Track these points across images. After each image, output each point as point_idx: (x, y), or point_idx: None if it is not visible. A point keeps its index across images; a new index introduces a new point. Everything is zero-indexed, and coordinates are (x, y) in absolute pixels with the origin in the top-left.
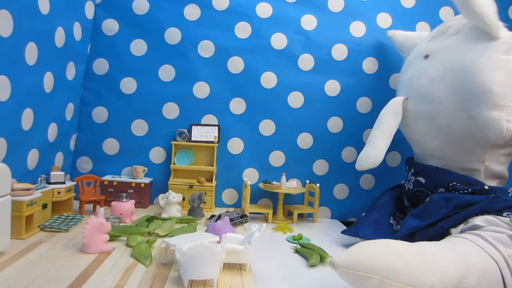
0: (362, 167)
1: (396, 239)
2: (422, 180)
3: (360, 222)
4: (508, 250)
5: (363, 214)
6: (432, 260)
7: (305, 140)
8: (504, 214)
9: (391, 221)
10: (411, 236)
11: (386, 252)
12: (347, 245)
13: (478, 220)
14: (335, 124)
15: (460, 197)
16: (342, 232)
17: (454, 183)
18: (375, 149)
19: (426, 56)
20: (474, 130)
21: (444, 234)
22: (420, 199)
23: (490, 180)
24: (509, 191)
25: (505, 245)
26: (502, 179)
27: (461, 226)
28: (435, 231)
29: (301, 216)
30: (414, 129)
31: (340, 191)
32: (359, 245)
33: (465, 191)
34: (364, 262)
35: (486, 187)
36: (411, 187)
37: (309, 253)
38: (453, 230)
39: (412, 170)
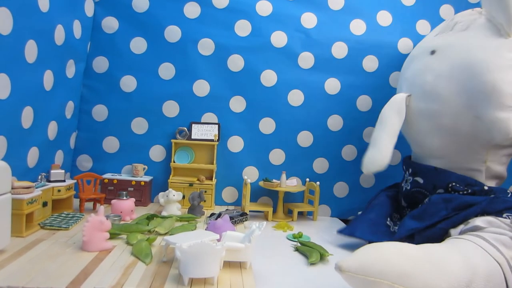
0: (369, 171)
1: (395, 240)
2: (420, 180)
3: (356, 222)
4: (510, 252)
5: (359, 212)
6: (441, 264)
7: (305, 138)
8: (504, 215)
9: (388, 222)
10: (410, 238)
11: (395, 255)
12: (347, 243)
13: (478, 221)
14: (335, 122)
15: (459, 198)
16: (338, 232)
17: (454, 183)
18: (381, 151)
19: (433, 52)
20: (479, 130)
21: (443, 235)
22: (418, 200)
23: (490, 180)
24: (508, 191)
25: (507, 247)
26: (501, 179)
27: (461, 227)
28: (434, 232)
29: (301, 214)
30: (415, 127)
31: (340, 189)
32: (366, 249)
33: (465, 192)
34: (372, 267)
35: (485, 187)
36: (408, 188)
37: (309, 251)
38: (452, 231)
39: (410, 170)
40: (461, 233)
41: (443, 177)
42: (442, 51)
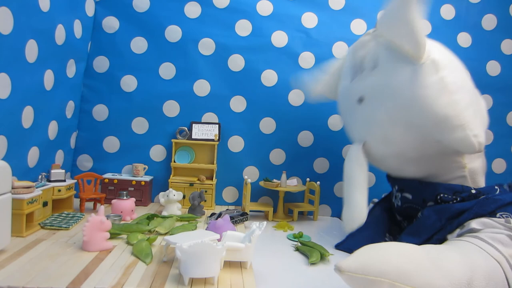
0: (352, 228)
1: None
2: (409, 196)
3: (353, 238)
4: (509, 250)
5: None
6: (441, 262)
7: (305, 138)
8: (498, 215)
9: (386, 238)
10: None
11: (395, 254)
12: None
13: (474, 223)
14: (335, 122)
15: (451, 207)
16: (335, 247)
17: (442, 194)
18: (357, 209)
19: (360, 100)
20: (446, 148)
21: (441, 243)
22: (411, 215)
23: (476, 177)
24: (495, 187)
25: (504, 245)
26: (484, 170)
27: (457, 231)
28: (432, 243)
29: (301, 214)
30: (386, 165)
31: (341, 189)
32: (365, 249)
33: (454, 201)
34: (373, 266)
35: (473, 191)
36: (399, 204)
37: (309, 251)
38: (449, 236)
39: (396, 187)
40: (458, 236)
41: (430, 189)
42: (369, 98)
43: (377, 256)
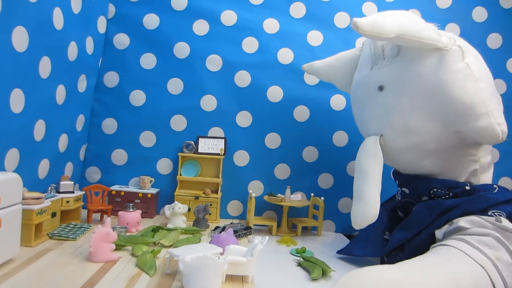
0: (361, 226)
1: (385, 252)
2: (407, 190)
3: (354, 241)
4: (496, 253)
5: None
6: (423, 282)
7: (310, 154)
8: (489, 213)
9: (386, 236)
10: (400, 247)
11: (374, 283)
12: (350, 259)
13: (462, 221)
14: (340, 138)
15: (442, 203)
16: (337, 252)
17: (435, 189)
18: (369, 204)
19: (381, 88)
20: (466, 138)
21: (430, 240)
22: (409, 210)
23: (485, 172)
24: (494, 186)
25: (491, 248)
26: (491, 165)
27: (445, 227)
28: (421, 239)
29: (305, 229)
30: (401, 161)
31: (345, 204)
32: (344, 279)
33: (447, 196)
34: None
35: (467, 187)
36: (400, 199)
37: (311, 266)
38: (437, 232)
39: (397, 181)
40: (445, 234)
41: (425, 184)
42: (391, 86)
43: (356, 286)
